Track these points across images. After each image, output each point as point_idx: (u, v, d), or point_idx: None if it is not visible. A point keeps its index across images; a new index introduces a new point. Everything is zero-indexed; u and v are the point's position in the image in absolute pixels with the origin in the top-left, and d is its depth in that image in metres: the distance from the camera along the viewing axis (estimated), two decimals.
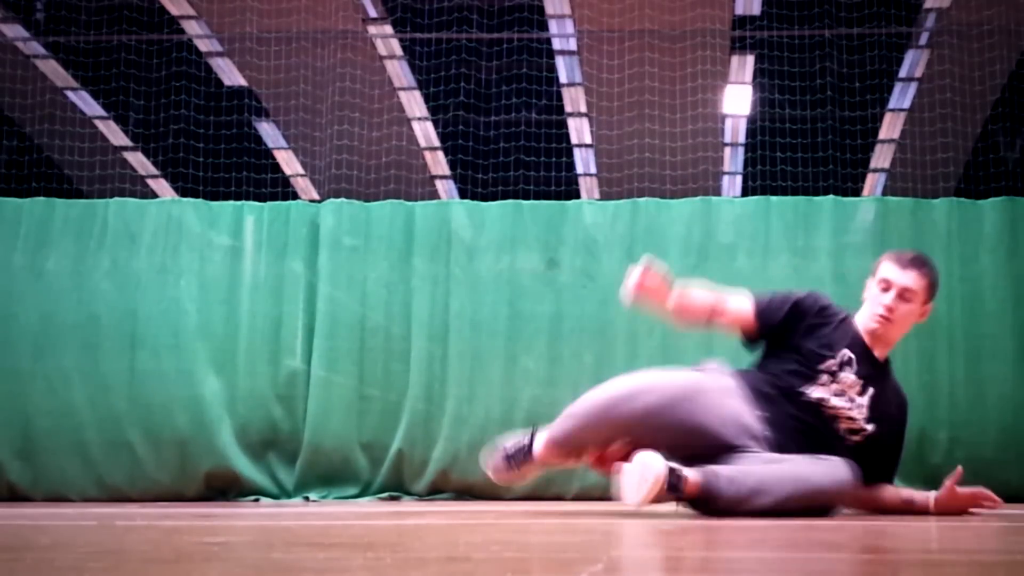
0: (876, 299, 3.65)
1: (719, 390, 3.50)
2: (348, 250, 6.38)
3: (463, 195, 13.87)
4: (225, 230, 6.39)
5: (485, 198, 7.96)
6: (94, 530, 2.69)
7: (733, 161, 14.80)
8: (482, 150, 12.77)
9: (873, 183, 14.71)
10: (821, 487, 3.27)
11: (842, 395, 3.59)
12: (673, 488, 3.10)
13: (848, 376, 3.60)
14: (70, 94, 13.38)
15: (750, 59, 12.83)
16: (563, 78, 13.36)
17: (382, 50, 13.01)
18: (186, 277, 6.29)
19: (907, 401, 3.83)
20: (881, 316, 3.62)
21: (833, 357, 3.60)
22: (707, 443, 3.37)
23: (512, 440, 3.65)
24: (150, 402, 6.10)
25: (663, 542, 2.30)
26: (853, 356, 3.61)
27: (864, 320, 3.67)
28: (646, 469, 3.10)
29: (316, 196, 14.66)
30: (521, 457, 3.57)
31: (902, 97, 13.16)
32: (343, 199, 6.62)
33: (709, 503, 3.17)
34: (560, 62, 13.17)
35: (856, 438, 3.61)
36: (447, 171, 15.01)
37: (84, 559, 1.74)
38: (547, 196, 10.37)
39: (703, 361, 3.74)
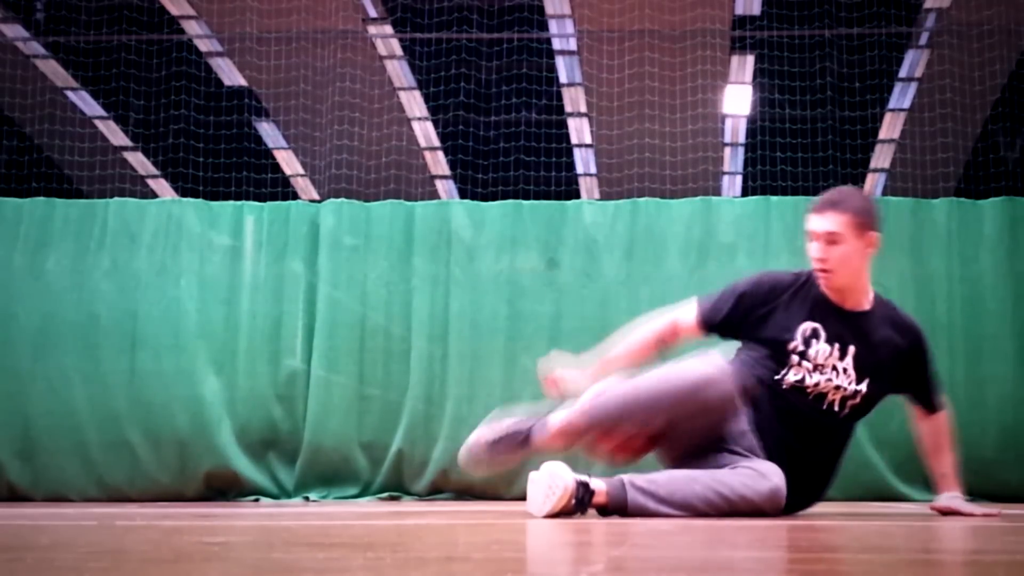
0: (810, 255, 3.51)
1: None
2: (348, 250, 6.38)
3: (463, 195, 13.87)
4: (225, 230, 6.39)
5: (485, 198, 7.96)
6: (94, 530, 2.69)
7: (733, 161, 14.80)
8: (482, 150, 12.77)
9: (873, 183, 14.71)
10: (741, 498, 3.21)
11: (820, 370, 3.49)
12: (580, 502, 3.08)
13: (820, 348, 3.49)
14: (70, 94, 13.38)
15: (750, 59, 12.83)
16: (563, 78, 13.36)
17: (382, 50, 13.01)
18: (186, 277, 6.29)
19: (917, 327, 3.69)
20: (819, 270, 3.49)
21: (793, 339, 3.48)
22: (714, 447, 3.36)
23: (503, 426, 3.44)
24: (150, 402, 6.10)
25: (663, 542, 2.30)
26: (817, 325, 3.49)
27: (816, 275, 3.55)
28: (554, 481, 3.06)
29: (316, 196, 14.66)
30: (516, 443, 3.36)
31: (902, 97, 13.16)
32: (343, 199, 6.62)
33: (617, 513, 3.15)
34: (560, 62, 13.17)
35: (853, 402, 3.55)
36: (447, 171, 15.01)
37: (84, 559, 1.74)
38: (547, 196, 10.38)
39: (703, 350, 3.59)
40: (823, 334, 3.50)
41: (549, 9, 12.32)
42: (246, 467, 6.05)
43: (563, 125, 14.05)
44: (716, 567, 1.66)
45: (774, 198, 6.53)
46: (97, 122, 13.85)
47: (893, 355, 3.61)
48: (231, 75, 13.52)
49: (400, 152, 13.70)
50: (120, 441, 6.07)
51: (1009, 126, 12.60)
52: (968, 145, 12.56)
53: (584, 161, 14.80)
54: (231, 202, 6.63)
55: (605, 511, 3.17)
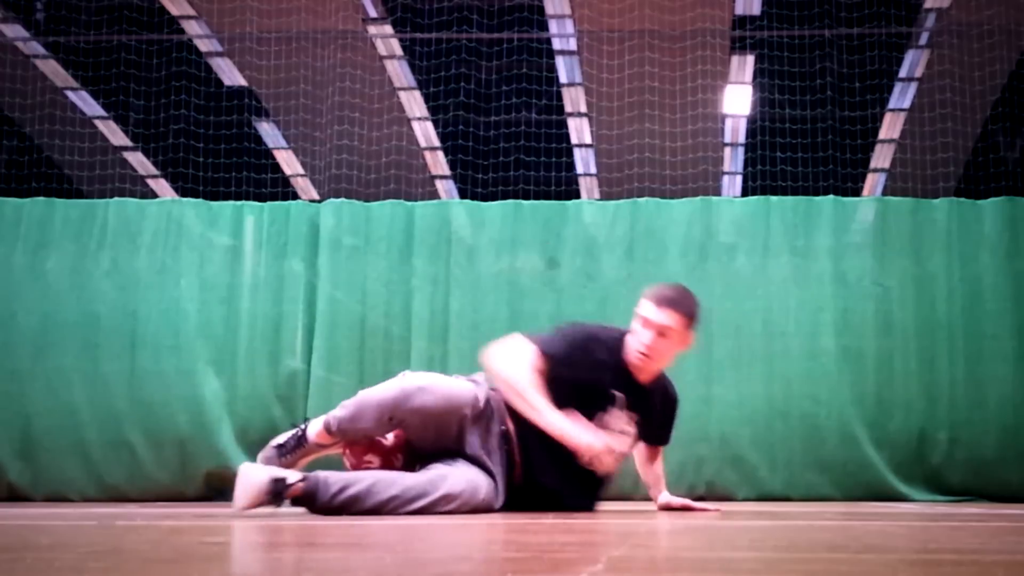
0: (637, 336, 3.83)
1: (481, 407, 3.71)
2: (348, 250, 6.38)
3: (463, 195, 13.86)
4: (225, 230, 6.39)
5: (485, 198, 7.95)
6: (94, 530, 2.69)
7: (733, 161, 14.80)
8: (482, 150, 12.77)
9: (873, 183, 14.70)
10: (435, 499, 3.43)
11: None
12: (276, 495, 3.28)
13: (617, 415, 3.84)
14: (70, 94, 13.38)
15: (750, 59, 12.83)
16: (563, 78, 13.36)
17: (382, 50, 13.00)
18: (186, 277, 6.29)
19: (676, 395, 4.08)
20: (641, 354, 3.81)
21: (601, 408, 3.80)
22: (450, 450, 3.64)
23: (282, 435, 3.88)
24: (150, 402, 6.10)
25: (663, 542, 2.30)
26: (621, 394, 3.83)
27: (630, 352, 3.84)
28: (246, 480, 3.31)
29: (316, 196, 14.66)
30: (293, 445, 3.78)
31: (902, 97, 13.16)
32: (343, 199, 6.62)
33: (308, 507, 3.33)
34: (560, 62, 13.17)
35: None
36: (447, 171, 15.01)
37: (84, 559, 1.74)
38: (547, 196, 10.37)
39: (472, 375, 3.87)
40: (619, 401, 3.85)
41: (549, 9, 12.32)
42: None
43: (563, 125, 14.04)
44: (716, 567, 1.66)
45: (774, 198, 6.53)
46: (97, 122, 13.85)
47: (659, 417, 4.02)
48: (231, 75, 13.52)
49: (400, 152, 13.70)
50: (120, 441, 6.07)
51: (1009, 126, 12.60)
52: (968, 145, 12.55)
53: (584, 161, 14.80)
54: (231, 202, 6.63)
55: (300, 502, 3.33)
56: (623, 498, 5.91)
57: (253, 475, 3.33)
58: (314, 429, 3.78)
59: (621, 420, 3.85)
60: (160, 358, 6.18)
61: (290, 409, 6.20)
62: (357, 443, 3.75)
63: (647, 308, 3.82)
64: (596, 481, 3.92)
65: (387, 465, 3.72)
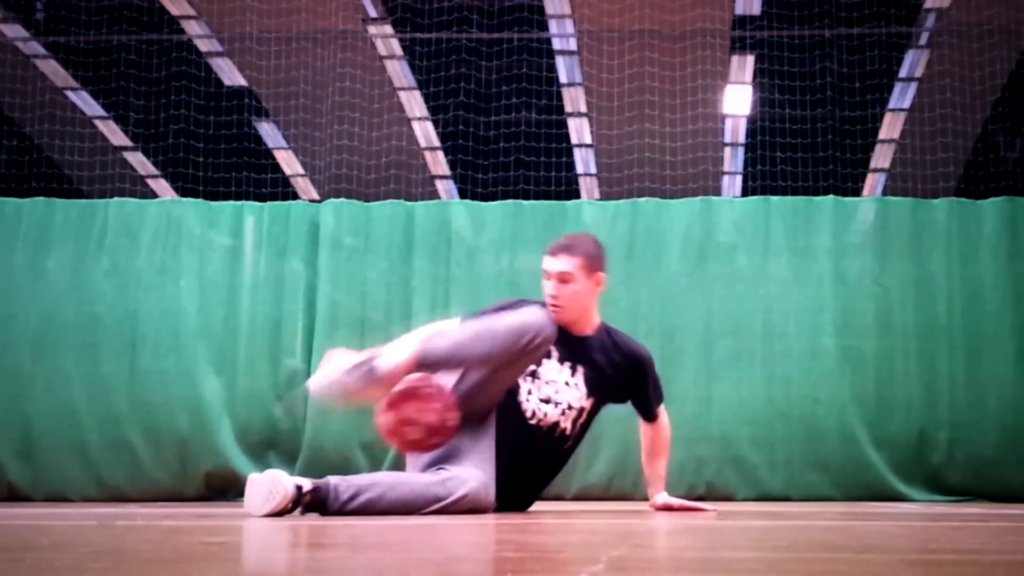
0: (544, 291, 3.92)
1: None
2: (348, 250, 6.39)
3: (463, 195, 13.86)
4: (225, 230, 6.40)
5: (485, 198, 7.95)
6: (94, 530, 2.69)
7: (733, 161, 14.80)
8: (482, 150, 12.77)
9: (873, 183, 14.70)
10: (451, 502, 3.39)
11: (551, 401, 3.82)
12: (294, 503, 3.23)
13: (551, 365, 3.84)
14: (70, 94, 13.38)
15: (750, 59, 12.83)
16: (563, 78, 13.36)
17: (382, 50, 13.00)
18: (186, 277, 6.29)
19: (641, 351, 4.05)
20: (552, 305, 3.87)
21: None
22: (480, 418, 3.59)
23: (352, 359, 3.50)
24: (150, 402, 6.10)
25: (663, 542, 2.30)
26: (549, 346, 3.78)
27: (549, 308, 3.88)
28: (275, 486, 3.20)
29: (316, 196, 14.66)
30: (365, 371, 3.45)
31: (902, 97, 13.16)
32: (343, 199, 6.62)
33: (320, 511, 3.29)
34: (560, 62, 13.17)
35: (581, 420, 3.89)
36: (447, 171, 15.01)
37: (84, 559, 1.74)
38: (547, 196, 10.37)
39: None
40: (555, 354, 3.86)
41: (549, 9, 12.31)
42: (246, 467, 6.05)
43: (563, 125, 14.04)
44: (716, 567, 1.66)
45: (774, 198, 6.53)
46: (97, 122, 13.85)
47: (615, 372, 3.96)
48: (231, 75, 13.52)
49: (400, 152, 13.71)
50: (120, 441, 6.07)
51: (1009, 126, 12.60)
52: (968, 145, 12.55)
53: (584, 161, 14.80)
54: (231, 202, 6.63)
55: (310, 508, 3.29)
56: (623, 498, 5.91)
57: (280, 483, 3.22)
58: (393, 360, 3.46)
59: (562, 373, 3.86)
60: (160, 358, 6.18)
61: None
62: (420, 394, 3.41)
63: (544, 260, 3.93)
64: (551, 472, 3.95)
65: (442, 420, 3.42)
